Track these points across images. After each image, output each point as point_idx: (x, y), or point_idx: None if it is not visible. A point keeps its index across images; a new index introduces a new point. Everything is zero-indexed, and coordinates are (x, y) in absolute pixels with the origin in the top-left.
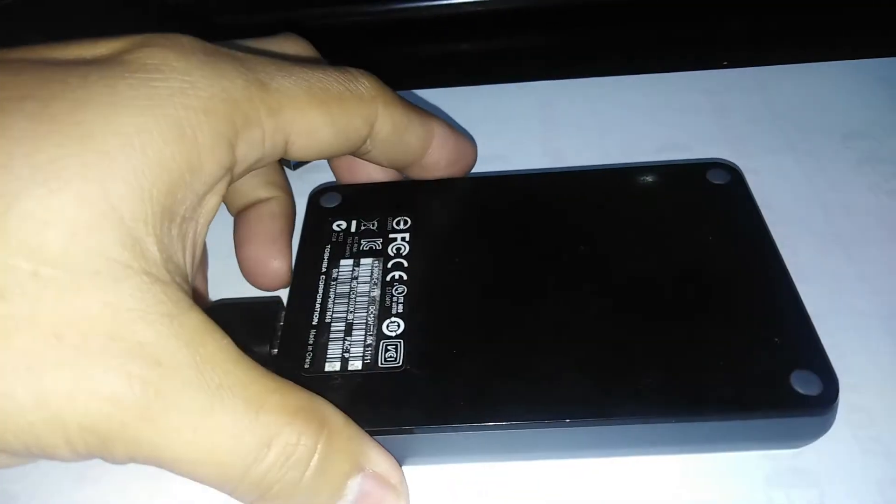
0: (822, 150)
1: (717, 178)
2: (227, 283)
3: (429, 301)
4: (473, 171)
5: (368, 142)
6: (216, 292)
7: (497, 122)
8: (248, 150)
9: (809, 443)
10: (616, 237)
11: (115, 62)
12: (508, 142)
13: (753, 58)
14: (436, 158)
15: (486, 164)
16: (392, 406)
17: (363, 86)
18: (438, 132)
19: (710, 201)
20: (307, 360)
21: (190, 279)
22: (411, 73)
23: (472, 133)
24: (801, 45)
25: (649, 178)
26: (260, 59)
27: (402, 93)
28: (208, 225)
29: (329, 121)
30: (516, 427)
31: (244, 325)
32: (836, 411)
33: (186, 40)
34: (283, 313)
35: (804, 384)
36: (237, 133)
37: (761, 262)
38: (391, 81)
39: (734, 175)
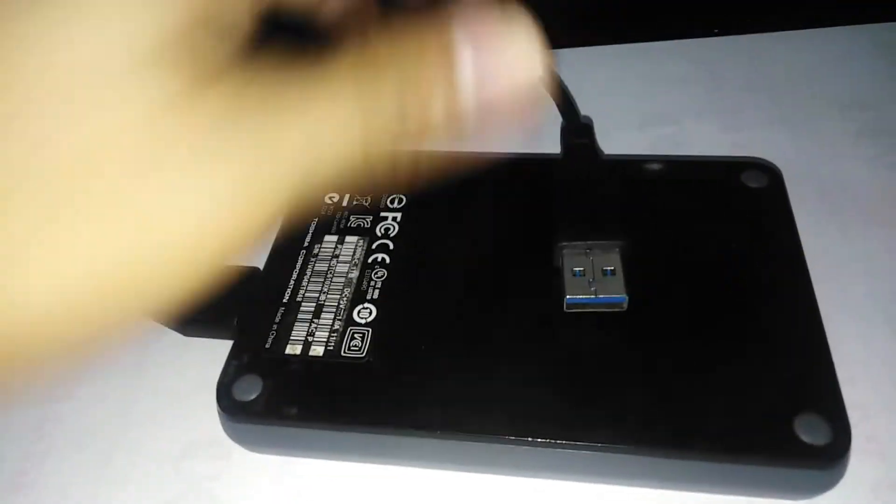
0: (818, 121)
1: (752, 181)
2: None
3: (407, 289)
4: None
5: None
6: None
7: None
8: None
9: (812, 497)
10: (629, 238)
11: None
12: None
13: (745, 24)
14: None
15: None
16: (347, 399)
17: None
18: None
19: (740, 208)
20: (269, 339)
21: None
22: None
23: None
24: (795, 11)
25: (676, 174)
26: None
27: None
28: None
29: None
30: (475, 440)
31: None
32: (846, 465)
33: None
34: (259, 283)
35: (810, 431)
36: None
37: (787, 284)
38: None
39: (772, 178)
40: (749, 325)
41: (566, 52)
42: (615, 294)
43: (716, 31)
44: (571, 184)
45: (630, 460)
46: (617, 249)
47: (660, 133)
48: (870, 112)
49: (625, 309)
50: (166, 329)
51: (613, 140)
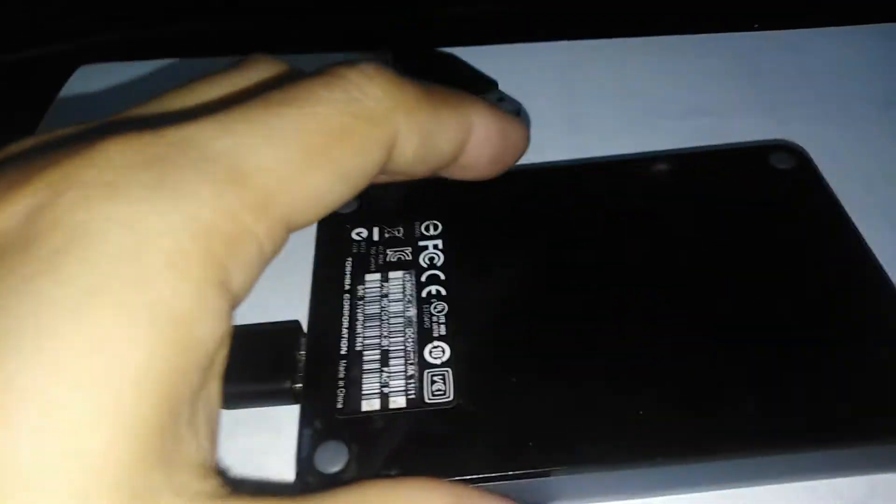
0: (862, 118)
1: (781, 163)
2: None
3: (475, 319)
4: None
5: (390, 162)
6: None
7: (515, 83)
8: (246, 272)
9: None
10: (679, 238)
11: (16, 248)
12: (525, 105)
13: (786, 20)
14: (475, 157)
15: None
16: (447, 451)
17: (372, 98)
18: (479, 123)
19: (777, 190)
20: (339, 399)
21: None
22: (433, 32)
23: None
24: (837, 6)
25: (706, 165)
26: (226, 130)
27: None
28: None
29: (335, 172)
30: (601, 470)
31: (260, 353)
32: None
33: (115, 153)
34: (304, 340)
35: None
36: (224, 266)
37: (849, 261)
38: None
39: (800, 159)
40: (832, 307)
41: (609, 43)
42: None
43: (756, 25)
44: None
45: (765, 461)
46: None
47: (701, 124)
48: None
49: None
50: None
51: (657, 129)
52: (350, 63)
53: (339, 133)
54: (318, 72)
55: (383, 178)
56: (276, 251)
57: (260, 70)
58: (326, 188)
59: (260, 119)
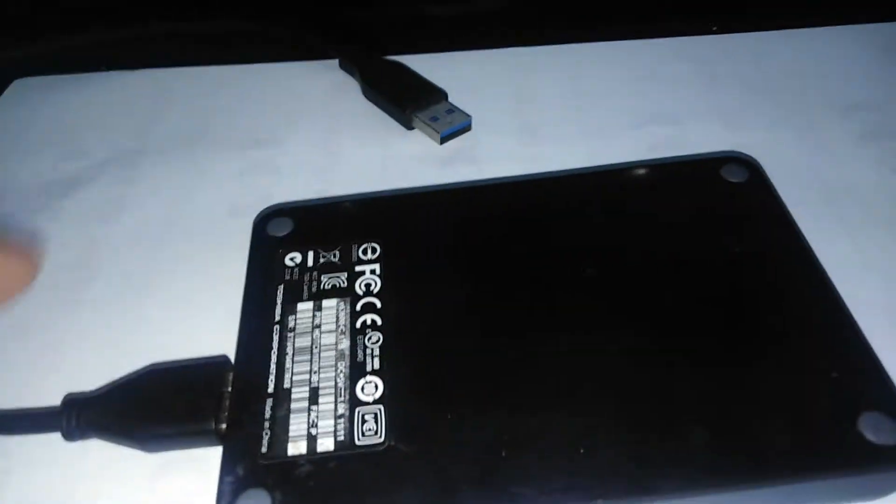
0: (821, 123)
1: (732, 176)
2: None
3: (411, 351)
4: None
5: None
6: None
7: (466, 92)
8: None
9: (885, 495)
10: (628, 256)
11: None
12: (477, 115)
13: (745, 23)
14: None
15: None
16: (376, 498)
17: None
18: None
19: (729, 204)
20: (264, 442)
21: None
22: (383, 37)
23: None
24: (797, 9)
25: (655, 179)
26: None
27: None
28: None
29: None
30: None
31: (182, 393)
32: None
33: None
34: (231, 376)
35: (876, 430)
36: None
37: (800, 278)
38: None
39: (752, 171)
40: (783, 329)
41: (561, 49)
42: None
43: (714, 28)
44: None
45: (707, 500)
46: None
47: (660, 131)
48: (873, 114)
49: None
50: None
51: (611, 140)
52: None
53: None
54: None
55: None
56: None
57: None
58: None
59: None
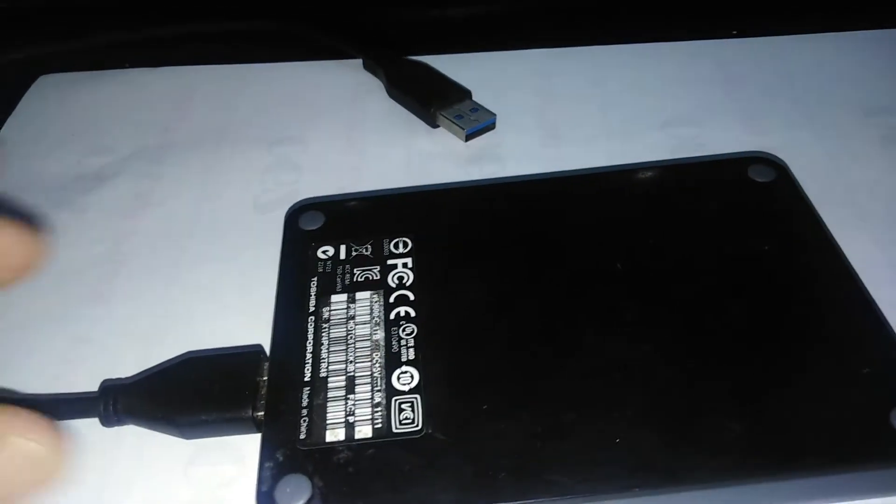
0: (842, 126)
1: (760, 176)
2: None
3: (446, 342)
4: (470, 175)
5: None
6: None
7: (489, 92)
8: None
9: None
10: (659, 252)
11: None
12: (500, 114)
13: (765, 26)
14: None
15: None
16: (415, 483)
17: None
18: None
19: (757, 204)
20: (302, 429)
21: None
22: (406, 38)
23: None
24: (818, 13)
25: (684, 178)
26: None
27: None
28: None
29: None
30: (577, 502)
31: (220, 381)
32: None
33: None
34: (267, 366)
35: None
36: None
37: (830, 276)
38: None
39: (780, 171)
40: (812, 326)
41: (584, 51)
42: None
43: (735, 32)
44: None
45: (741, 490)
46: None
47: (681, 133)
48: (895, 118)
49: None
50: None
51: (633, 141)
52: None
53: None
54: None
55: None
56: None
57: None
58: None
59: None
